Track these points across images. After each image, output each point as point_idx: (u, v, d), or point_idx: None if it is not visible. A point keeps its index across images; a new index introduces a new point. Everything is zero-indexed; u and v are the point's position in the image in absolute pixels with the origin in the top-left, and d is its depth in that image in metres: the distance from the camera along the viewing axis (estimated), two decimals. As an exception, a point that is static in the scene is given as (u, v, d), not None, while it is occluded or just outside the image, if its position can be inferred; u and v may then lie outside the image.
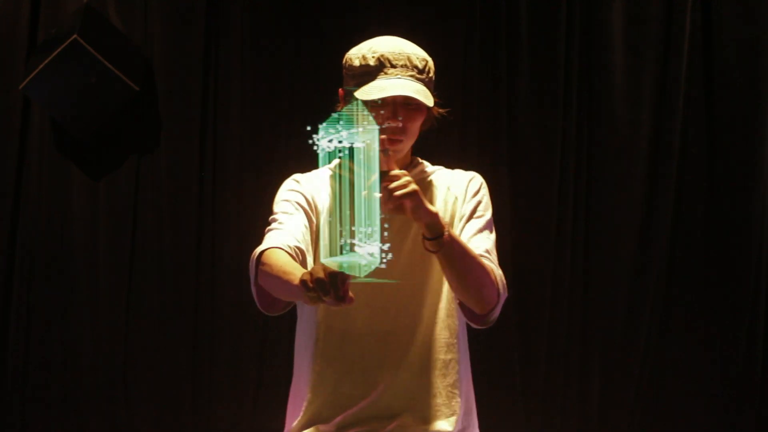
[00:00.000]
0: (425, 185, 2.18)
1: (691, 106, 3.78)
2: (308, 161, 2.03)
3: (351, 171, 1.86)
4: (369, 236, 1.80)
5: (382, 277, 1.83)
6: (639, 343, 3.77)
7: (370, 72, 2.07)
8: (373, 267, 1.80)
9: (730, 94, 3.78)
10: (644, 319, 3.77)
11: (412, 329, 2.11)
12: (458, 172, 2.23)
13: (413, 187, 1.90)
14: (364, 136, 1.82)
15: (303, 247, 2.04)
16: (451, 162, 2.27)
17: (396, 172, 1.92)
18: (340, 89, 2.15)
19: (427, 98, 2.06)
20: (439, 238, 1.94)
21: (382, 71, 2.06)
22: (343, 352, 2.11)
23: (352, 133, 1.84)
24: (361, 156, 1.83)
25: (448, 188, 2.18)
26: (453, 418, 2.13)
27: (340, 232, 1.81)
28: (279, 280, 1.92)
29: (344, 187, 1.84)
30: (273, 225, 2.09)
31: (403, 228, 2.11)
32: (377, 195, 1.80)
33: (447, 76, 3.78)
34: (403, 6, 3.83)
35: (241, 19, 3.85)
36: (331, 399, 2.12)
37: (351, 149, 1.86)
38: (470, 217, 2.15)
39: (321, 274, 1.66)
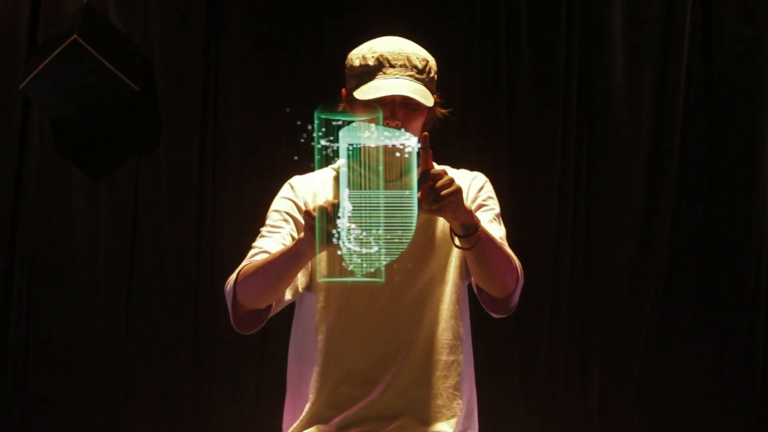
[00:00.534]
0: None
1: (691, 106, 3.78)
2: (308, 162, 2.02)
3: (360, 170, 1.85)
4: (401, 236, 1.84)
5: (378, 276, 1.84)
6: (639, 343, 3.77)
7: (369, 72, 2.06)
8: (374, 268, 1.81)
9: (730, 94, 3.78)
10: (644, 319, 3.77)
11: (415, 330, 2.11)
12: (463, 171, 2.22)
13: (456, 185, 1.84)
14: (401, 135, 1.83)
15: None
16: (451, 162, 2.26)
17: (438, 169, 1.85)
18: (342, 89, 2.15)
19: (425, 98, 2.05)
20: (472, 235, 1.91)
21: (381, 71, 2.06)
22: (344, 352, 2.11)
23: (355, 133, 1.85)
24: (380, 155, 1.83)
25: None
26: (453, 420, 2.13)
27: (340, 231, 1.81)
28: (264, 267, 1.98)
29: (357, 186, 1.84)
30: (255, 244, 2.11)
31: (410, 252, 2.11)
32: (415, 194, 1.79)
33: (447, 76, 3.79)
34: (403, 6, 3.83)
35: (241, 19, 3.85)
36: (332, 399, 2.12)
37: (358, 149, 1.86)
38: (479, 208, 2.14)
39: (325, 205, 1.80)
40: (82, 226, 3.84)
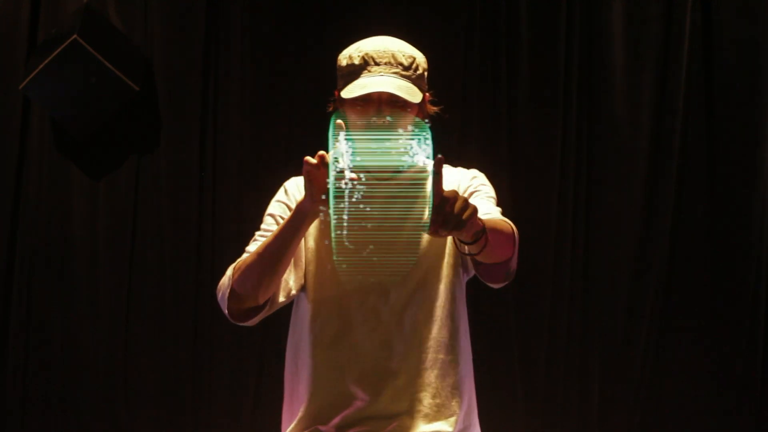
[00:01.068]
0: (423, 187, 2.17)
1: (691, 106, 3.78)
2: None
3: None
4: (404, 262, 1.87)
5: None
6: (639, 343, 3.77)
7: (355, 71, 2.07)
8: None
9: (730, 94, 3.78)
10: (644, 319, 3.77)
11: (410, 330, 2.11)
12: (459, 169, 2.22)
13: (472, 205, 1.77)
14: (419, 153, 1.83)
15: None
16: (450, 162, 2.26)
17: (450, 191, 1.76)
18: (335, 90, 2.16)
19: (411, 95, 2.05)
20: (480, 239, 1.86)
21: (366, 69, 2.06)
22: (341, 352, 2.11)
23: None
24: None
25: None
26: (453, 419, 2.13)
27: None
28: (263, 249, 2.01)
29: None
30: (248, 248, 2.12)
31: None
32: (426, 218, 1.74)
33: (447, 77, 3.81)
34: (404, 6, 3.83)
35: (241, 19, 3.85)
36: (330, 400, 2.11)
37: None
38: (471, 195, 2.13)
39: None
40: (82, 226, 3.84)
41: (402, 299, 2.10)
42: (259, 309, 2.11)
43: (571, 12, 3.82)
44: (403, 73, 2.07)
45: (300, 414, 2.14)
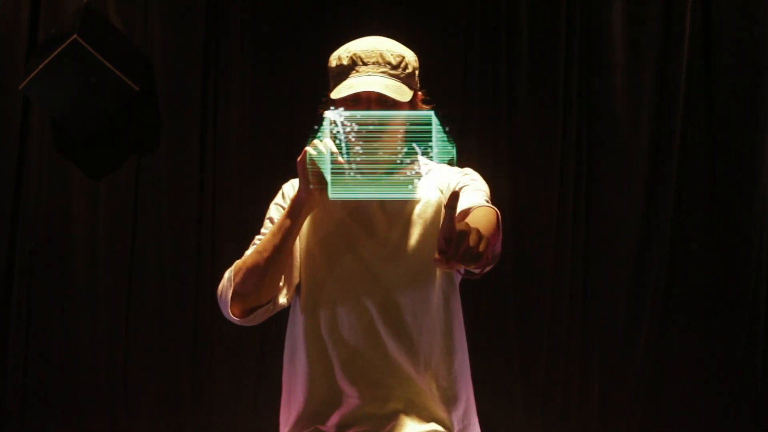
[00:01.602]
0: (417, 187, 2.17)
1: (691, 106, 3.78)
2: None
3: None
4: None
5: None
6: (639, 343, 3.77)
7: (344, 71, 2.09)
8: None
9: (730, 94, 3.78)
10: (644, 319, 3.77)
11: (405, 330, 2.10)
12: (454, 169, 2.20)
13: (483, 235, 1.71)
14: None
15: None
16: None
17: (462, 225, 1.70)
18: (328, 92, 2.16)
19: (399, 93, 2.05)
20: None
21: (354, 69, 2.07)
22: (335, 352, 2.11)
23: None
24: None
25: (442, 191, 2.16)
26: (452, 418, 2.13)
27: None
28: (262, 250, 2.04)
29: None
30: (247, 252, 2.13)
31: (395, 226, 2.11)
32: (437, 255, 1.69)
33: (447, 77, 3.81)
34: (404, 7, 3.83)
35: (241, 19, 3.85)
36: (326, 399, 2.12)
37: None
38: (461, 190, 2.12)
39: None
40: (82, 226, 3.84)
41: (395, 299, 2.10)
42: (261, 307, 2.11)
43: (571, 12, 3.82)
44: (392, 72, 2.07)
45: (298, 414, 2.14)
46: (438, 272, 2.12)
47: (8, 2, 3.83)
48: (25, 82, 3.65)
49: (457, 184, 2.13)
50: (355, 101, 2.05)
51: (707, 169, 3.80)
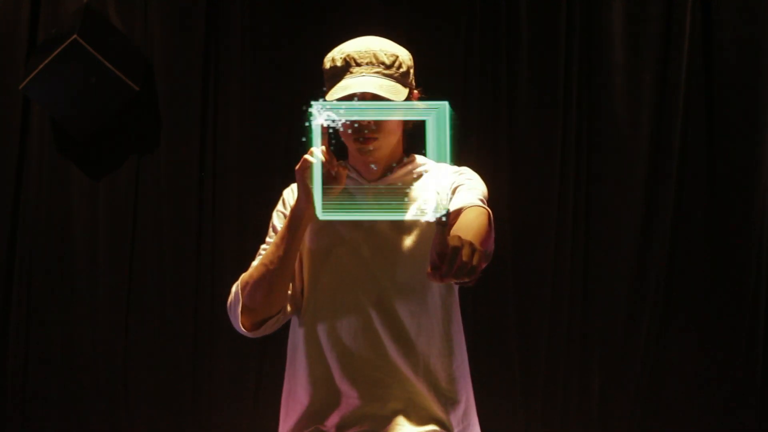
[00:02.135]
0: (412, 188, 2.17)
1: (691, 106, 3.78)
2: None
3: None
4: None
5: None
6: (639, 343, 3.77)
7: (338, 73, 2.09)
8: None
9: (730, 94, 3.78)
10: (644, 319, 3.77)
11: (404, 331, 2.11)
12: (451, 168, 2.20)
13: (477, 246, 1.70)
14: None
15: None
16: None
17: (453, 237, 1.69)
18: (324, 94, 2.16)
19: (393, 93, 2.05)
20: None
21: (348, 70, 2.07)
22: (335, 353, 2.11)
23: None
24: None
25: (438, 192, 2.17)
26: (451, 419, 2.13)
27: None
28: (266, 258, 2.06)
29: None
30: (254, 263, 2.14)
31: (393, 227, 2.11)
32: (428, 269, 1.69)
33: (447, 77, 3.81)
34: (404, 7, 3.83)
35: (241, 19, 3.85)
36: (326, 400, 2.12)
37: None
38: (455, 190, 2.12)
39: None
40: (82, 226, 3.84)
41: (393, 300, 2.10)
42: (271, 318, 2.13)
43: (571, 12, 3.82)
44: (386, 72, 2.07)
45: (298, 414, 2.14)
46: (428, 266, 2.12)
47: (8, 2, 3.83)
48: (25, 82, 3.65)
49: (452, 184, 2.13)
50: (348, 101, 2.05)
51: (707, 169, 3.80)
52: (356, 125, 2.06)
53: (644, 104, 3.79)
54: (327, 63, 2.12)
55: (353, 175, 2.18)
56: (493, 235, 1.99)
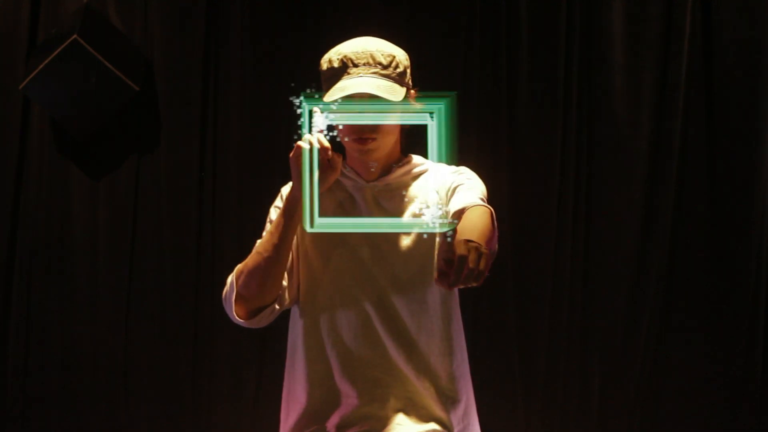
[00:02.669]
0: (411, 188, 2.17)
1: (691, 106, 3.78)
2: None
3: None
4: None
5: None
6: (639, 343, 3.77)
7: (335, 74, 2.09)
8: None
9: (730, 94, 3.78)
10: (644, 319, 3.77)
11: (404, 331, 2.11)
12: (449, 168, 2.20)
13: (485, 251, 1.73)
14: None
15: None
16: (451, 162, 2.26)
17: (459, 242, 1.72)
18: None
19: (391, 93, 2.05)
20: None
21: (346, 72, 2.07)
22: (334, 352, 2.11)
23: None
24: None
25: (437, 191, 2.16)
26: (452, 418, 2.13)
27: None
28: (262, 251, 2.06)
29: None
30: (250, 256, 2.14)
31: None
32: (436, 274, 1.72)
33: (447, 77, 3.81)
34: (404, 7, 3.83)
35: (241, 19, 3.85)
36: (326, 400, 2.12)
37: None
38: (455, 191, 2.12)
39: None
40: (82, 226, 3.84)
41: (392, 299, 2.10)
42: (266, 308, 2.12)
43: (571, 12, 3.82)
44: (383, 72, 2.07)
45: (298, 414, 2.14)
46: (434, 272, 2.12)
47: (8, 2, 3.83)
48: (25, 82, 3.65)
49: (452, 183, 2.13)
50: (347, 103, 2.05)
51: (707, 169, 3.80)
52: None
53: (644, 104, 3.79)
54: (324, 64, 2.12)
55: (351, 175, 2.18)
56: (496, 233, 1.99)
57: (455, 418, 2.13)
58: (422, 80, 2.24)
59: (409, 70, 2.14)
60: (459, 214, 1.98)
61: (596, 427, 3.79)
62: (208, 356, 3.82)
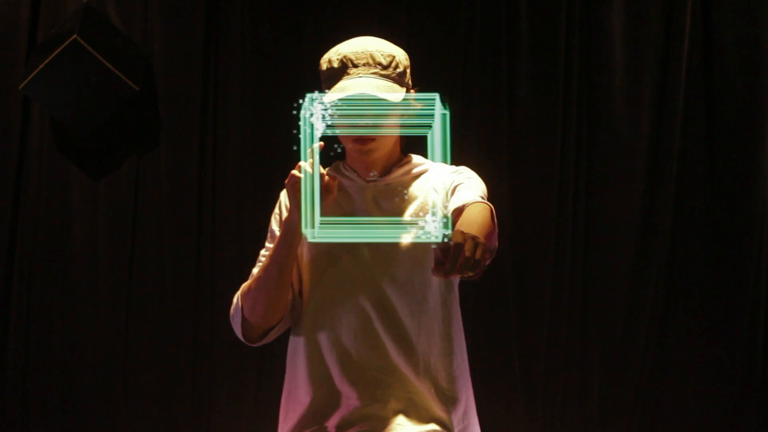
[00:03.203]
0: (411, 188, 2.17)
1: (691, 106, 3.78)
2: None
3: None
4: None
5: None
6: (639, 343, 3.77)
7: (335, 74, 2.09)
8: None
9: (730, 94, 3.78)
10: (644, 319, 3.77)
11: (404, 331, 2.10)
12: (449, 168, 2.19)
13: (481, 241, 1.72)
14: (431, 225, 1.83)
15: None
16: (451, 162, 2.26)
17: (457, 233, 1.72)
18: None
19: (390, 93, 2.05)
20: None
21: (346, 72, 2.07)
22: (334, 353, 2.11)
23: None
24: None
25: (437, 191, 2.16)
26: (452, 419, 2.13)
27: None
28: (263, 270, 2.07)
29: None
30: (254, 271, 2.15)
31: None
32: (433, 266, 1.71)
33: (447, 76, 3.81)
34: (404, 7, 3.83)
35: (241, 19, 3.85)
36: (326, 400, 2.11)
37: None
38: (455, 189, 2.12)
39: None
40: (82, 226, 3.84)
41: (392, 299, 2.10)
42: (273, 328, 2.17)
43: (571, 12, 3.82)
44: (383, 72, 2.07)
45: (298, 415, 2.14)
46: (435, 278, 2.12)
47: (8, 2, 3.83)
48: (25, 82, 3.65)
49: (452, 183, 2.13)
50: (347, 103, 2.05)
51: (707, 169, 3.80)
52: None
53: (644, 104, 3.79)
54: (323, 64, 2.12)
55: (351, 175, 2.18)
56: (496, 230, 1.98)
57: (456, 418, 2.13)
58: (422, 80, 2.24)
59: (408, 70, 2.14)
60: (459, 211, 1.98)
61: (596, 427, 3.79)
62: (208, 356, 3.82)
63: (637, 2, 3.80)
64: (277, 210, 2.22)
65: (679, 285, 3.79)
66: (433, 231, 1.81)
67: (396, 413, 2.09)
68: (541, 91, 3.83)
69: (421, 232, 1.82)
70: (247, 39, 3.85)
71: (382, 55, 2.08)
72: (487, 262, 1.87)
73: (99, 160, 3.87)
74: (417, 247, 2.10)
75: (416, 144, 2.21)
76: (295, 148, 1.99)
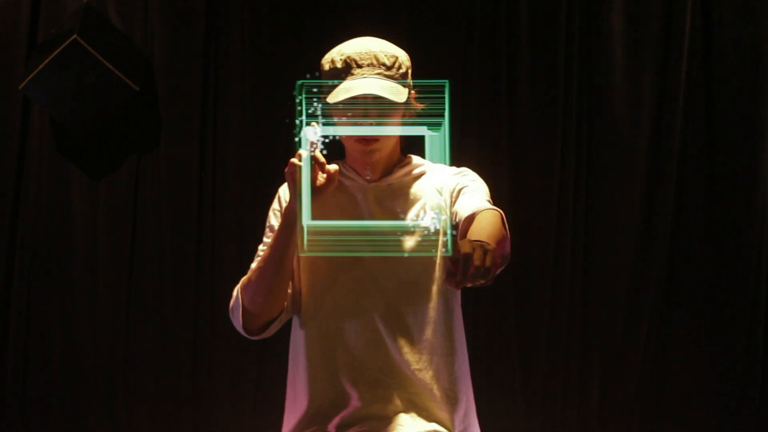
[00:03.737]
0: (413, 188, 2.17)
1: (691, 106, 3.78)
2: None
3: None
4: None
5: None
6: (639, 344, 3.77)
7: (338, 75, 2.07)
8: None
9: (730, 94, 3.78)
10: (644, 319, 3.77)
11: (405, 331, 2.10)
12: (451, 169, 2.19)
13: (491, 248, 1.72)
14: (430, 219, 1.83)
15: None
16: (450, 162, 2.26)
17: (465, 241, 1.72)
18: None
19: (395, 94, 2.05)
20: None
21: (349, 72, 2.06)
22: (336, 354, 2.11)
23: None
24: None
25: (440, 192, 2.16)
26: (452, 419, 2.13)
27: None
28: (263, 266, 2.06)
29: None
30: (253, 266, 2.14)
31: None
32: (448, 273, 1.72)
33: (447, 77, 3.80)
34: (404, 7, 3.83)
35: (241, 19, 3.85)
36: (328, 400, 2.11)
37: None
38: (459, 193, 2.12)
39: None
40: (82, 226, 3.84)
41: (395, 301, 2.10)
42: (274, 321, 2.14)
43: (571, 12, 3.82)
44: (387, 73, 2.07)
45: (300, 416, 2.14)
46: (437, 274, 2.12)
47: (8, 2, 3.83)
48: (25, 82, 3.65)
49: (456, 185, 2.13)
50: (351, 104, 2.04)
51: (707, 169, 3.80)
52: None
53: (644, 104, 3.80)
54: (326, 64, 2.11)
55: (352, 175, 2.17)
56: (508, 236, 1.97)
57: (457, 418, 2.13)
58: (422, 79, 2.24)
59: (410, 71, 2.14)
60: (470, 219, 1.98)
61: (596, 427, 3.79)
62: (208, 356, 3.82)
63: (637, 2, 3.81)
64: (275, 205, 2.21)
65: (679, 285, 3.79)
66: (430, 224, 1.82)
67: (397, 413, 2.09)
68: (541, 92, 3.83)
69: (425, 241, 1.83)
70: (247, 39, 3.86)
71: (385, 55, 2.08)
72: (500, 269, 1.87)
73: (99, 160, 3.87)
74: (419, 258, 2.10)
75: (416, 144, 2.21)
76: (297, 139, 1.99)
